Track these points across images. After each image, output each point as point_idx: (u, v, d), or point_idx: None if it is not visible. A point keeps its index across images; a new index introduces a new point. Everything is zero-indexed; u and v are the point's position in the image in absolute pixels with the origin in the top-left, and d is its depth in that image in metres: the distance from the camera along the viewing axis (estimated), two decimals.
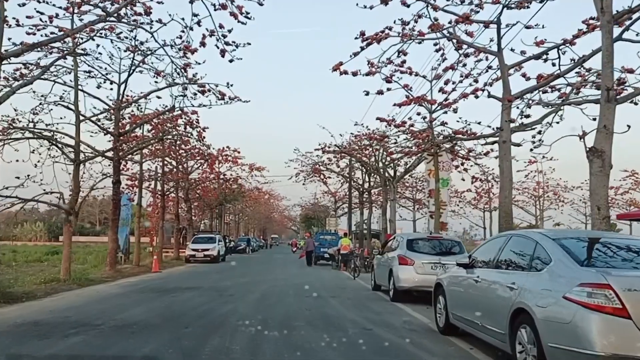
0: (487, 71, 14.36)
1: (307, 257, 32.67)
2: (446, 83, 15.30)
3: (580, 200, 49.90)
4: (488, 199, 45.85)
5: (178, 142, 30.99)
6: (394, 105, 18.99)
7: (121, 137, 22.18)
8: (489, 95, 13.31)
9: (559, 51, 13.24)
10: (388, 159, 28.00)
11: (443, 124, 17.15)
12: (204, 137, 28.53)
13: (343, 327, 9.06)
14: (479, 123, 16.67)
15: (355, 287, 17.81)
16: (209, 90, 22.00)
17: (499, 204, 13.02)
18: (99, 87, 19.71)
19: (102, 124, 21.81)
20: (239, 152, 38.20)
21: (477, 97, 14.33)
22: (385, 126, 19.25)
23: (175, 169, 34.29)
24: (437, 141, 16.87)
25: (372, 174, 35.62)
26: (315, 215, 77.37)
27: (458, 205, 47.14)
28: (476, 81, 14.81)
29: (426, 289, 12.95)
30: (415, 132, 18.79)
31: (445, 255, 13.34)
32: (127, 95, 22.34)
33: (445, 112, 17.36)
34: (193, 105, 21.89)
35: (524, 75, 13.99)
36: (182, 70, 16.82)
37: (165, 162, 32.61)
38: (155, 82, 19.50)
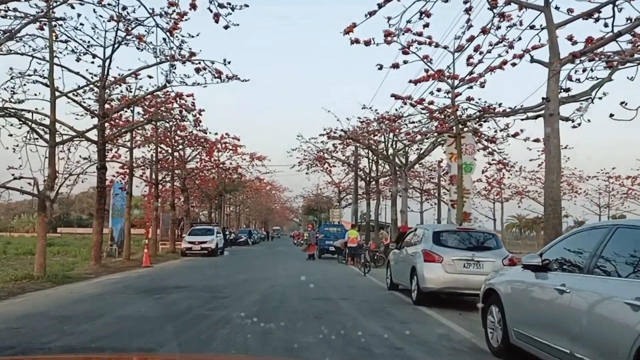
0: (521, 34, 12.24)
1: (310, 252, 30.56)
2: (476, 50, 13.11)
3: (595, 190, 48.01)
4: (499, 189, 43.75)
5: (173, 128, 29.03)
6: (410, 82, 16.98)
7: (106, 119, 20.09)
8: (532, 60, 11.14)
9: (615, 7, 11.06)
10: (400, 144, 25.88)
11: (469, 99, 15.00)
12: (200, 122, 26.50)
13: (366, 346, 6.97)
14: (500, 105, 14.62)
15: (368, 285, 15.74)
16: (204, 69, 20.12)
17: (545, 188, 10.95)
18: (78, 60, 17.53)
19: (88, 105, 19.74)
20: (238, 140, 36.25)
21: (514, 64, 12.18)
22: (401, 105, 17.14)
23: (170, 157, 32.20)
24: (463, 119, 14.69)
25: (381, 162, 33.53)
26: (318, 207, 75.32)
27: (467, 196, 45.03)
28: (512, 47, 12.68)
29: (457, 291, 10.94)
30: (435, 110, 16.65)
31: (479, 250, 11.24)
32: (114, 77, 20.29)
33: (470, 87, 15.27)
34: (186, 84, 20.02)
35: (570, 38, 11.82)
36: (169, 34, 14.60)
37: (160, 149, 30.54)
38: (139, 50, 17.28)
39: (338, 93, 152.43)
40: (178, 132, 29.64)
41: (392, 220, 28.18)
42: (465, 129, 16.13)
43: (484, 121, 14.70)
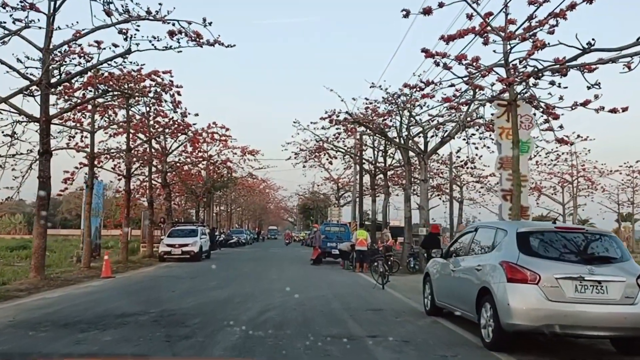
0: None
1: (316, 257, 26.13)
2: None
3: (617, 186, 43.89)
4: None
5: (152, 115, 24.62)
6: (442, 39, 12.79)
7: (50, 88, 15.71)
8: None
9: None
10: (417, 129, 21.57)
11: (531, 54, 10.68)
12: (180, 103, 22.14)
13: None
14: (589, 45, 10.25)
15: (396, 306, 11.39)
16: (180, 32, 15.98)
17: None
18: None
19: (26, 73, 15.36)
20: (227, 130, 31.91)
21: None
22: (434, 63, 12.76)
23: (147, 146, 27.77)
24: (532, 71, 10.28)
25: (390, 152, 29.20)
26: (315, 205, 70.96)
27: (480, 192, 40.88)
28: None
29: (567, 332, 6.63)
30: (481, 70, 12.33)
31: (596, 263, 6.93)
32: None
33: (533, 36, 10.99)
34: (155, 48, 15.78)
35: None
36: None
37: (135, 137, 26.13)
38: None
39: (341, 74, 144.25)
40: (157, 118, 25.25)
41: (405, 218, 23.84)
42: (525, 93, 11.84)
43: (563, 75, 10.31)
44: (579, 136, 21.63)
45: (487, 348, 7.19)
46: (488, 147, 21.84)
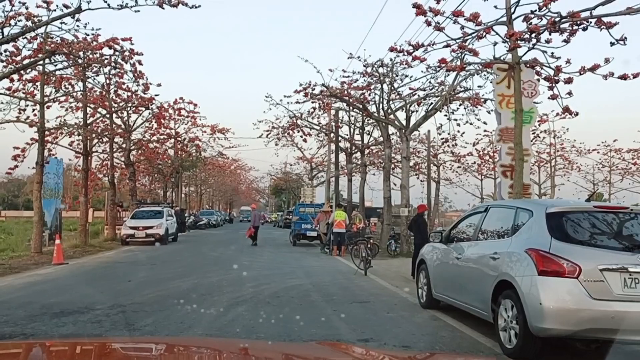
0: None
1: (253, 235, 24.96)
2: None
3: (593, 166, 43.26)
4: (493, 163, 38.49)
5: (112, 87, 22.60)
6: None
7: None
8: None
9: None
10: (398, 102, 20.12)
11: (547, 3, 9.23)
12: (142, 74, 20.38)
13: None
14: None
15: (384, 298, 9.96)
16: None
17: None
18: None
19: None
20: (195, 106, 30.02)
21: None
22: (425, 22, 11.23)
23: (108, 121, 25.74)
24: (533, 26, 8.76)
25: (367, 129, 27.76)
26: (287, 186, 69.29)
27: (456, 172, 39.88)
28: None
29: (620, 337, 5.26)
30: (481, 29, 10.86)
31: None
32: None
33: None
34: (109, 6, 13.98)
35: None
36: None
37: (94, 111, 24.09)
38: None
39: (318, 45, 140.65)
40: (118, 92, 23.20)
41: (385, 198, 22.49)
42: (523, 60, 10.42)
43: (584, 29, 8.89)
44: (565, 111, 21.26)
45: (507, 355, 5.80)
46: (471, 124, 20.58)
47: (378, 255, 18.38)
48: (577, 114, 12.18)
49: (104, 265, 15.48)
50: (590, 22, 8.67)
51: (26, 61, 16.64)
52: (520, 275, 5.70)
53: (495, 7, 10.81)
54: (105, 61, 18.83)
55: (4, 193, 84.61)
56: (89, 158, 24.27)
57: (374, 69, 19.32)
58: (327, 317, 7.83)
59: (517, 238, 6.13)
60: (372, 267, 13.93)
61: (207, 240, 28.49)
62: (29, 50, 16.50)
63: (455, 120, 20.11)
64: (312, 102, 23.59)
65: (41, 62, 17.08)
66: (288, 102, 24.16)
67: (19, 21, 14.73)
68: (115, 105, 24.43)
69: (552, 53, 10.73)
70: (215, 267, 14.69)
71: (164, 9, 14.40)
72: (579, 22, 8.73)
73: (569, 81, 10.92)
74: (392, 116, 20.69)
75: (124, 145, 27.97)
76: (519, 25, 10.77)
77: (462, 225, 7.96)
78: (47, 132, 20.36)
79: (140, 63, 18.74)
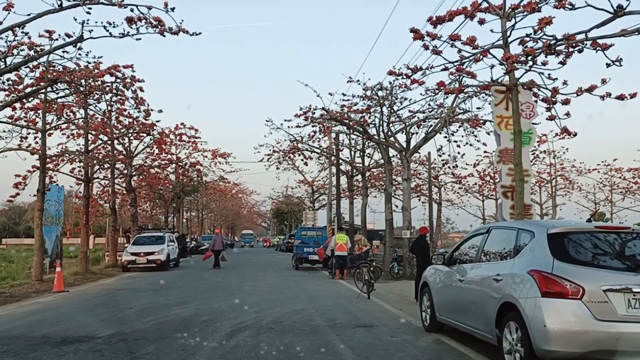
0: None
1: (215, 258, 26.08)
2: None
3: (594, 185, 43.20)
4: (494, 184, 38.48)
5: (114, 115, 22.79)
6: (429, 21, 11.53)
7: None
8: None
9: None
10: (398, 125, 20.23)
11: (542, 26, 9.33)
12: (143, 101, 20.53)
13: None
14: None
15: (388, 322, 9.86)
16: (140, 19, 14.37)
17: None
18: None
19: None
20: (197, 131, 30.20)
21: None
22: (423, 46, 11.35)
23: (110, 147, 25.84)
24: (528, 49, 8.87)
25: (368, 152, 27.84)
26: (289, 209, 69.25)
27: (457, 193, 39.88)
28: None
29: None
30: (478, 52, 10.96)
31: None
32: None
33: (540, 8, 9.67)
34: (111, 35, 14.15)
35: None
36: None
37: (95, 138, 24.21)
38: None
39: (318, 71, 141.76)
40: (120, 118, 23.36)
41: (387, 220, 22.46)
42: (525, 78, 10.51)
43: (579, 51, 8.99)
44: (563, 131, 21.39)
45: None
46: (471, 145, 20.66)
47: (381, 277, 18.29)
48: (575, 135, 12.23)
49: (104, 293, 15.40)
50: (586, 44, 8.78)
51: (28, 90, 16.79)
52: (523, 297, 5.68)
53: (492, 30, 10.95)
54: (107, 88, 18.97)
55: (5, 220, 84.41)
56: (90, 185, 24.34)
57: (374, 92, 19.51)
58: (331, 342, 7.77)
59: (520, 259, 6.12)
60: (375, 290, 13.86)
61: (208, 266, 28.37)
62: (31, 78, 16.68)
63: (455, 141, 20.26)
64: (313, 126, 23.76)
65: (43, 90, 17.21)
66: (289, 126, 24.34)
67: (21, 50, 14.92)
68: (117, 131, 24.57)
69: (549, 75, 10.93)
70: (217, 292, 14.62)
71: (165, 36, 14.55)
72: (574, 45, 8.83)
73: (566, 102, 11.01)
74: (392, 139, 20.80)
75: (125, 171, 28.07)
76: (515, 48, 10.93)
77: (464, 247, 7.94)
78: (48, 160, 20.47)
79: (141, 90, 18.90)
